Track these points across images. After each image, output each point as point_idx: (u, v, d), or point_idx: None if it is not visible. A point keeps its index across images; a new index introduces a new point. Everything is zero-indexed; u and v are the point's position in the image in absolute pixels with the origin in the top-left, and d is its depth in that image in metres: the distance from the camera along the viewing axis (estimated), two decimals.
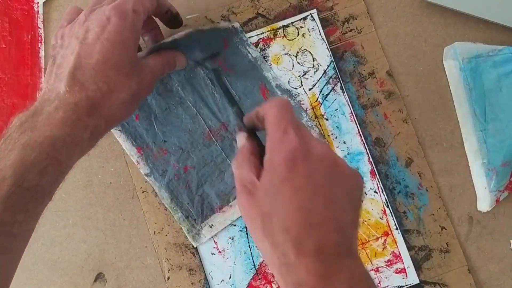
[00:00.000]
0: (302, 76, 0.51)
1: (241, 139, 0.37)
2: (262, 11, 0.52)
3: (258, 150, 0.36)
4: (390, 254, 0.49)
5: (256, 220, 0.31)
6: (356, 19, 0.51)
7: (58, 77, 0.37)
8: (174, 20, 0.47)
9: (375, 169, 0.50)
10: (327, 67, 0.51)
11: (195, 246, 0.49)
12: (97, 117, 0.37)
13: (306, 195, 0.30)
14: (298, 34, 0.51)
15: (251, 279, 0.49)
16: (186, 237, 0.49)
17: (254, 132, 0.38)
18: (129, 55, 0.38)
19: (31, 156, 0.34)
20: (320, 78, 0.51)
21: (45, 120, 0.35)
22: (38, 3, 0.52)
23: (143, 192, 0.50)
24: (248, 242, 0.49)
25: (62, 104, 0.36)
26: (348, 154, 0.50)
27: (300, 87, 0.51)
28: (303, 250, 0.30)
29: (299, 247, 0.30)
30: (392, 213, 0.49)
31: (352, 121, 0.50)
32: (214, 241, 0.49)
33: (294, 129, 0.32)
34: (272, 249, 0.31)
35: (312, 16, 0.52)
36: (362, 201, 0.38)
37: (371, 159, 0.50)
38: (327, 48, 0.51)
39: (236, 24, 0.50)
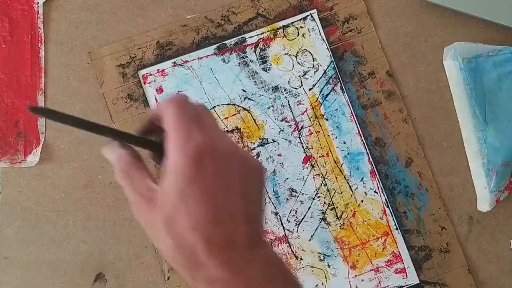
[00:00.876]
0: (302, 76, 0.51)
1: (114, 150, 0.34)
2: (262, 11, 0.52)
3: (138, 157, 0.34)
4: (390, 254, 0.49)
5: (157, 223, 0.30)
6: (356, 19, 0.51)
7: None
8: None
9: (375, 169, 0.50)
10: (327, 67, 0.51)
11: None
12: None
13: (215, 192, 0.30)
14: (298, 34, 0.51)
15: None
16: None
17: (143, 139, 0.35)
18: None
19: None
20: (320, 78, 0.51)
21: None
22: (38, 3, 0.52)
23: None
24: None
25: None
26: (348, 154, 0.50)
27: (300, 87, 0.51)
28: (214, 246, 0.29)
29: (209, 243, 0.29)
30: (392, 213, 0.49)
31: (352, 121, 0.50)
32: None
33: (198, 126, 0.31)
34: (179, 250, 0.30)
35: (312, 16, 0.52)
36: (265, 182, 0.37)
37: (371, 159, 0.50)
38: (327, 48, 0.51)
39: None
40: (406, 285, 0.49)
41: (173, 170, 0.30)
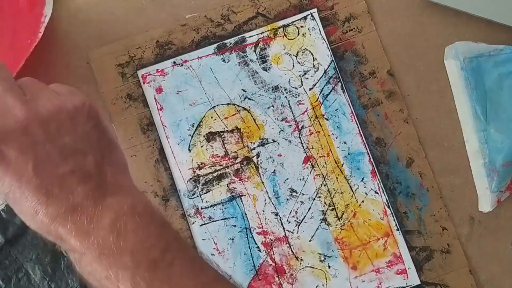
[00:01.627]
0: (303, 75, 0.51)
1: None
2: (262, 11, 0.52)
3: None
4: (391, 255, 0.49)
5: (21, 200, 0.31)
6: (356, 18, 0.51)
7: None
8: None
9: (375, 169, 0.49)
10: (328, 67, 0.51)
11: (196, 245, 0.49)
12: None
13: (36, 165, 0.30)
14: (298, 34, 0.51)
15: (251, 280, 0.49)
16: (185, 237, 0.49)
17: None
18: None
19: None
20: (320, 78, 0.51)
21: None
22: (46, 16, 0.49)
23: (143, 192, 0.50)
24: (248, 243, 0.49)
25: None
26: (348, 154, 0.50)
27: (301, 86, 0.51)
28: (56, 219, 0.30)
29: (51, 218, 0.30)
30: (393, 214, 0.49)
31: (352, 121, 0.50)
32: (214, 242, 0.49)
33: (16, 96, 0.32)
34: (40, 231, 0.31)
35: (312, 16, 0.51)
36: (103, 123, 0.35)
37: (371, 159, 0.50)
38: (328, 48, 0.51)
39: None
40: (407, 286, 0.48)
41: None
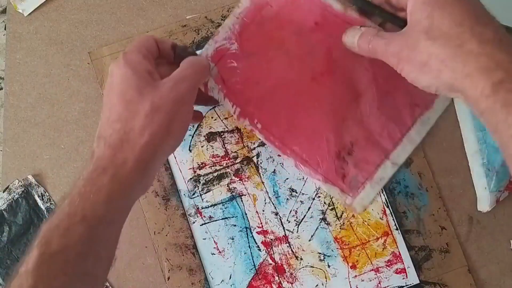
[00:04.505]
0: None
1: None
2: None
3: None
4: (390, 254, 0.49)
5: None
6: None
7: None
8: (185, 53, 0.44)
9: None
10: None
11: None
12: (119, 154, 0.36)
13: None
14: None
15: (251, 279, 0.49)
16: (186, 237, 0.49)
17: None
18: (129, 84, 0.37)
19: (53, 222, 0.35)
20: None
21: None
22: None
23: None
24: (248, 242, 0.49)
25: (88, 163, 0.37)
26: None
27: None
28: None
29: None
30: (392, 213, 0.49)
31: None
32: (214, 241, 0.49)
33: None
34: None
35: None
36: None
37: None
38: None
39: None
40: (406, 285, 0.49)
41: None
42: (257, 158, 0.50)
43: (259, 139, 0.49)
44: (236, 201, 0.50)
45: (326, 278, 0.49)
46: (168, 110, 0.37)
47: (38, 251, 0.33)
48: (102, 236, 0.36)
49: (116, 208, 0.36)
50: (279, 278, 0.49)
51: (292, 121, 0.48)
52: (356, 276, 0.49)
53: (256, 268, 0.49)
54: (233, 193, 0.50)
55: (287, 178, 0.50)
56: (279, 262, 0.49)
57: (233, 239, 0.50)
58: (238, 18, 0.48)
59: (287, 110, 0.48)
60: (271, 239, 0.49)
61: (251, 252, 0.49)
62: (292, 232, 0.49)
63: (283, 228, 0.50)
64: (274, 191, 0.50)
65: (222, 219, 0.50)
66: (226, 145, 0.50)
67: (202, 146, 0.50)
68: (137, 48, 0.39)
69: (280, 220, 0.50)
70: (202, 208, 0.50)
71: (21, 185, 0.50)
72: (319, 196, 0.50)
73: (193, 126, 0.51)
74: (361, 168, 0.48)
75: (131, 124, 0.36)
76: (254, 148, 0.50)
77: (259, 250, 0.49)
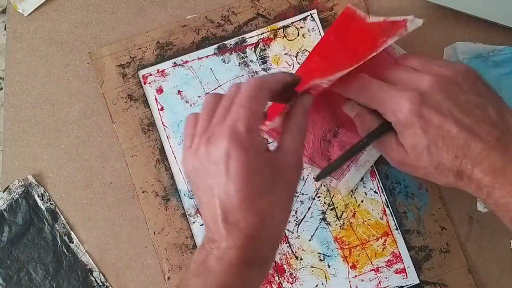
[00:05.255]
0: None
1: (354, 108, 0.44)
2: (262, 11, 0.52)
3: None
4: (390, 254, 0.49)
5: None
6: None
7: (215, 220, 0.35)
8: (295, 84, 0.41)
9: (375, 169, 0.50)
10: None
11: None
12: (262, 249, 0.35)
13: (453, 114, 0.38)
14: (298, 35, 0.51)
15: None
16: (186, 237, 0.49)
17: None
18: (264, 177, 0.35)
19: None
20: None
21: (215, 264, 0.34)
22: None
23: (143, 192, 0.50)
24: None
25: (226, 246, 0.34)
26: None
27: None
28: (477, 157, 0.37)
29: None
30: (392, 213, 0.49)
31: None
32: None
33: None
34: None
35: (312, 17, 0.52)
36: (485, 81, 0.41)
37: None
38: None
39: None
40: (406, 285, 0.49)
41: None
42: None
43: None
44: None
45: (326, 278, 0.49)
46: (293, 195, 0.38)
47: None
48: None
49: None
50: (279, 278, 0.49)
51: (278, 104, 0.48)
52: (356, 276, 0.49)
53: None
54: None
55: None
56: (279, 262, 0.49)
57: None
58: None
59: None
60: None
61: None
62: (292, 232, 0.49)
63: None
64: None
65: None
66: None
67: None
68: (257, 116, 0.35)
69: None
70: None
71: (21, 185, 0.50)
72: (319, 196, 0.50)
73: None
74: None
75: (271, 219, 0.35)
76: None
77: None
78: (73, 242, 0.50)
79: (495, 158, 0.36)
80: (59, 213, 0.50)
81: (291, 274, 0.49)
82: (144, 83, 0.51)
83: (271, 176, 0.35)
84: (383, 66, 0.42)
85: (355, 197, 0.49)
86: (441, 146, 0.37)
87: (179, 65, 0.51)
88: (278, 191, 0.35)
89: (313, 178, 0.48)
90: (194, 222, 0.50)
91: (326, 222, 0.49)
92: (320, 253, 0.49)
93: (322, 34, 0.51)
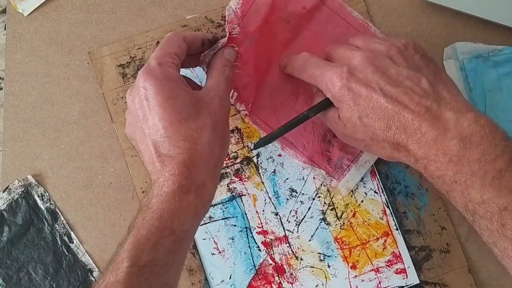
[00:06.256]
0: None
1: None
2: None
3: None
4: (390, 255, 0.49)
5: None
6: None
7: (151, 159, 0.38)
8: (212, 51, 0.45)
9: (375, 169, 0.50)
10: None
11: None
12: (197, 173, 0.37)
13: (382, 83, 0.39)
14: None
15: (251, 280, 0.49)
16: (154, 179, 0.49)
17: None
18: (183, 101, 0.38)
19: (142, 234, 0.35)
20: None
21: (154, 199, 0.37)
22: None
23: (143, 192, 0.50)
24: (248, 243, 0.49)
25: (163, 179, 0.37)
26: None
27: None
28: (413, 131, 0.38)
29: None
30: (392, 213, 0.49)
31: None
32: (214, 241, 0.49)
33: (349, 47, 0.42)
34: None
35: None
36: (427, 54, 0.42)
37: None
38: None
39: None
40: (406, 285, 0.49)
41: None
42: (257, 158, 0.50)
43: (259, 139, 0.49)
44: (236, 201, 0.50)
45: (326, 278, 0.49)
46: (223, 126, 0.40)
47: (128, 263, 0.35)
48: (184, 248, 0.38)
49: (198, 222, 0.39)
50: (279, 278, 0.49)
51: (278, 104, 0.49)
52: (356, 276, 0.49)
53: (256, 268, 0.49)
54: (233, 193, 0.50)
55: (287, 178, 0.50)
56: (279, 262, 0.49)
57: (233, 239, 0.49)
58: (239, 2, 0.48)
59: (274, 93, 0.48)
60: (271, 239, 0.49)
61: (251, 252, 0.49)
62: (292, 232, 0.49)
63: (283, 228, 0.50)
64: (274, 191, 0.50)
65: (222, 219, 0.50)
66: None
67: None
68: (168, 54, 0.40)
69: (280, 220, 0.50)
70: None
71: (21, 185, 0.50)
72: (319, 196, 0.50)
73: None
74: (346, 151, 0.48)
75: (200, 142, 0.37)
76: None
77: (259, 250, 0.49)
78: (73, 242, 0.50)
79: (426, 128, 0.36)
80: (59, 213, 0.50)
81: (291, 274, 0.49)
82: None
83: (192, 103, 0.38)
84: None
85: (355, 197, 0.49)
86: (372, 116, 0.38)
87: None
88: (203, 116, 0.38)
89: (252, 145, 0.49)
90: None
91: (326, 222, 0.49)
92: (320, 253, 0.49)
93: None
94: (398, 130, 0.37)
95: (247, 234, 0.50)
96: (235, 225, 0.50)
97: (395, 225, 0.49)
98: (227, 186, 0.50)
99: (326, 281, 0.49)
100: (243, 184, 0.50)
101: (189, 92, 0.39)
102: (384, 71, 0.39)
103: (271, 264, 0.49)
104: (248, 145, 0.50)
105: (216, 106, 0.39)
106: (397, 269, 0.49)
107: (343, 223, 0.49)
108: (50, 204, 0.50)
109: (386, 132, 0.38)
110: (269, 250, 0.49)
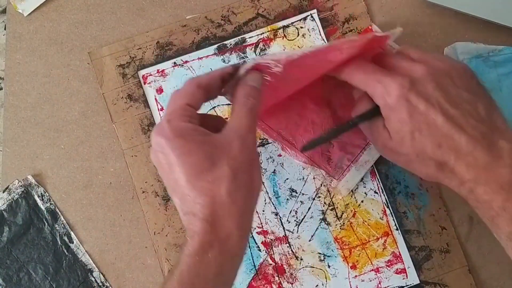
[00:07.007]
0: None
1: None
2: (262, 11, 0.52)
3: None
4: (391, 255, 0.49)
5: None
6: (356, 19, 0.51)
7: (181, 216, 0.37)
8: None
9: (375, 169, 0.50)
10: None
11: None
12: (220, 227, 0.35)
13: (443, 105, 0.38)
14: (298, 35, 0.51)
15: (251, 280, 0.49)
16: (186, 237, 0.49)
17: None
18: (197, 155, 0.35)
19: None
20: None
21: (180, 261, 0.35)
22: None
23: (143, 192, 0.50)
24: (248, 243, 0.49)
25: (189, 238, 0.35)
26: None
27: None
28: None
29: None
30: (393, 214, 0.49)
31: None
32: None
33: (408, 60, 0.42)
34: None
35: (312, 17, 0.52)
36: (480, 82, 0.41)
37: None
38: None
39: None
40: (407, 286, 0.48)
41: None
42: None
43: (259, 139, 0.49)
44: None
45: (326, 278, 0.49)
46: (246, 170, 0.36)
47: None
48: None
49: (225, 281, 0.37)
50: (279, 279, 0.49)
51: (278, 105, 0.48)
52: (356, 276, 0.49)
53: (256, 268, 0.49)
54: None
55: (287, 178, 0.50)
56: (279, 262, 0.49)
57: None
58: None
59: (274, 93, 0.48)
60: (271, 239, 0.49)
61: (251, 252, 0.49)
62: (292, 232, 0.49)
63: (283, 228, 0.50)
64: (274, 191, 0.50)
65: None
66: None
67: None
68: (179, 107, 0.37)
69: (280, 220, 0.50)
70: None
71: (21, 185, 0.50)
72: (319, 196, 0.50)
73: None
74: (346, 151, 0.48)
75: (219, 194, 0.35)
76: None
77: (259, 250, 0.49)
78: (73, 242, 0.50)
79: (480, 153, 0.36)
80: (59, 213, 0.50)
81: (291, 274, 0.49)
82: (144, 83, 0.51)
83: (207, 154, 0.35)
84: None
85: (355, 197, 0.49)
86: (425, 133, 0.37)
87: (179, 65, 0.51)
88: (220, 165, 0.35)
89: (301, 148, 0.45)
90: None
91: (326, 222, 0.49)
92: (320, 253, 0.49)
93: (322, 34, 0.51)
94: (449, 150, 0.37)
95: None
96: None
97: (395, 225, 0.49)
98: None
99: (326, 281, 0.49)
100: None
101: (204, 142, 0.36)
102: (445, 90, 0.38)
103: (271, 264, 0.49)
104: None
105: (236, 150, 0.36)
106: (397, 269, 0.49)
107: (343, 223, 0.49)
108: (50, 204, 0.50)
109: (436, 150, 0.37)
110: (269, 250, 0.49)
